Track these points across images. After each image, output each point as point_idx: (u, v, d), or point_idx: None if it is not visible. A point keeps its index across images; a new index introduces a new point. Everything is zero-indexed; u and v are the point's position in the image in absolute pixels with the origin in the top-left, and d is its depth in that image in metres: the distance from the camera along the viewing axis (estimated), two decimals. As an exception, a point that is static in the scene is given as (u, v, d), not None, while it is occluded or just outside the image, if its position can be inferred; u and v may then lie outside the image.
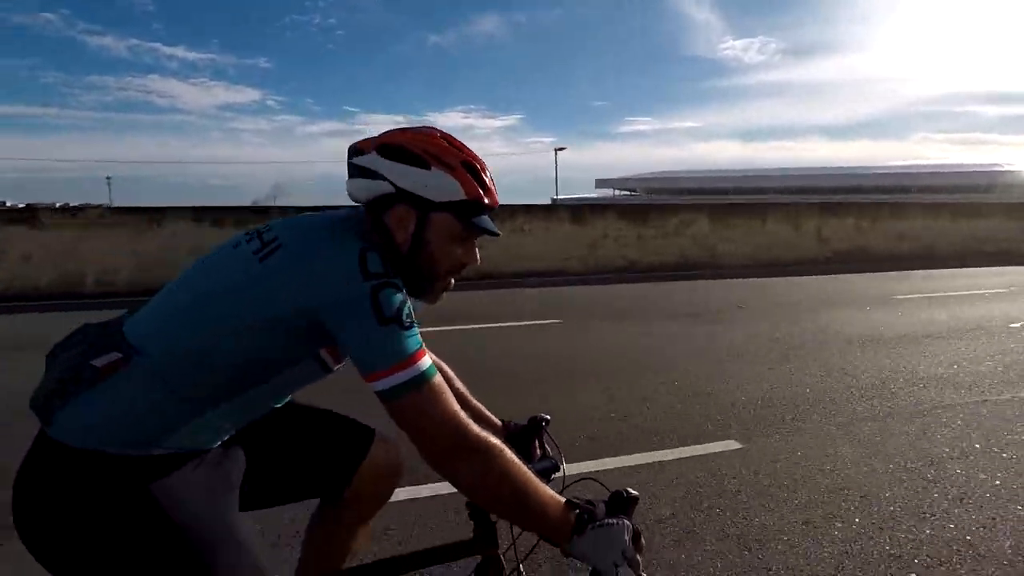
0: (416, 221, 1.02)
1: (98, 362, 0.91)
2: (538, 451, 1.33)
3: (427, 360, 0.91)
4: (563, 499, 0.98)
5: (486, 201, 1.05)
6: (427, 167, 1.00)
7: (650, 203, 19.85)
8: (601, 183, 78.18)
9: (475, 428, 0.92)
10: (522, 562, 1.18)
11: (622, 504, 1.01)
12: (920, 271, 12.28)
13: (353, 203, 1.09)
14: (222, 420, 0.99)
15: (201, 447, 0.98)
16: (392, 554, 1.18)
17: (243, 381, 0.96)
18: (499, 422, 1.32)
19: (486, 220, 1.06)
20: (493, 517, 1.18)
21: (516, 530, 1.13)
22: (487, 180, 1.06)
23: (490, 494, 0.94)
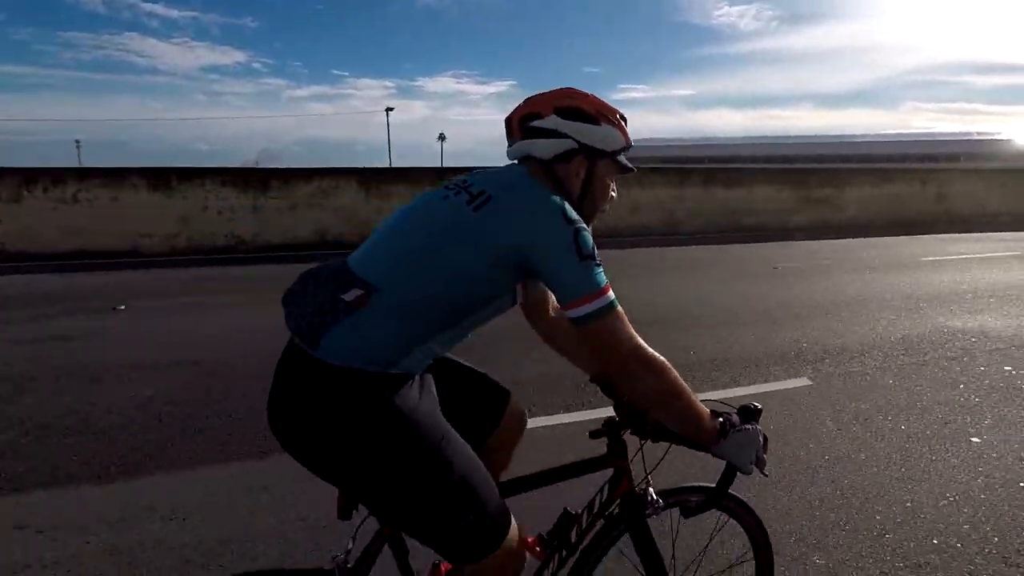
0: (587, 168, 1.23)
1: (347, 296, 1.09)
2: None
3: (612, 292, 1.10)
4: (710, 409, 1.21)
5: (630, 144, 1.29)
6: (598, 123, 1.22)
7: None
8: None
9: (650, 349, 1.12)
10: (650, 473, 1.39)
11: (751, 415, 1.25)
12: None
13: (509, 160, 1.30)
14: (439, 347, 1.18)
15: (417, 370, 1.17)
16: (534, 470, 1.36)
17: (461, 313, 1.15)
18: None
19: (625, 160, 1.30)
20: (624, 435, 1.39)
21: (644, 445, 1.36)
22: (626, 126, 1.29)
23: (662, 400, 1.14)
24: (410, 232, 1.17)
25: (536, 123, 1.22)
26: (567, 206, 1.13)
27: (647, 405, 1.20)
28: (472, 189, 1.16)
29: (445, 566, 1.37)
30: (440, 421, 1.17)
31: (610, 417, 1.40)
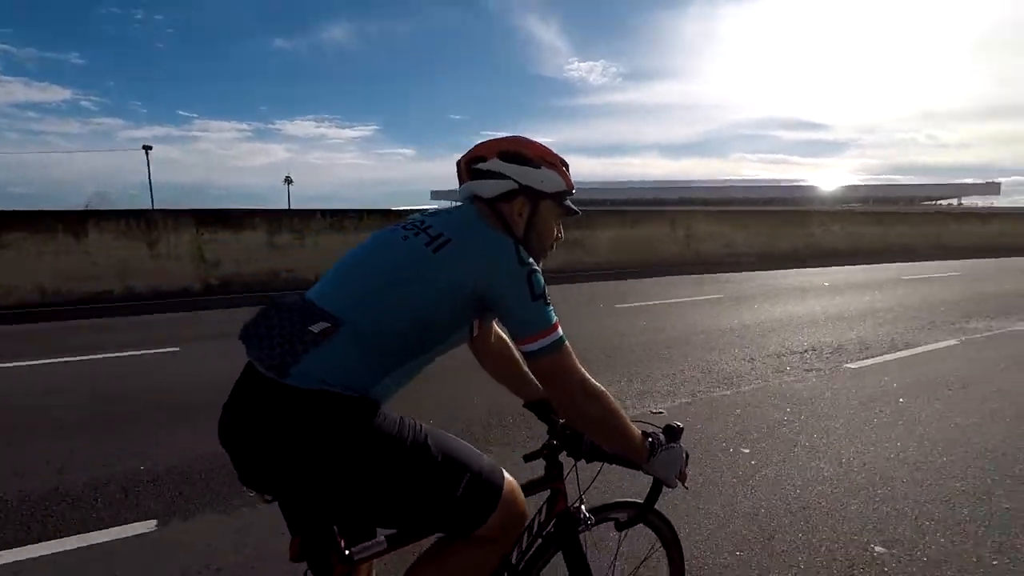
0: (531, 208, 1.33)
1: (314, 328, 1.15)
2: None
3: (560, 329, 1.19)
4: (641, 430, 1.34)
5: (572, 189, 1.39)
6: (538, 167, 1.32)
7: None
8: (436, 195, 72.96)
9: (593, 379, 1.22)
10: (584, 492, 1.53)
11: (675, 434, 1.39)
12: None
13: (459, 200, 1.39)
14: (405, 377, 1.24)
15: (386, 399, 1.22)
16: None
17: (424, 346, 1.22)
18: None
19: (570, 203, 1.39)
20: (560, 458, 1.50)
21: (578, 464, 1.48)
22: (568, 171, 1.39)
23: (603, 425, 1.25)
24: (372, 270, 1.24)
25: (480, 165, 1.33)
26: (520, 249, 1.21)
27: (589, 430, 1.31)
28: (430, 231, 1.24)
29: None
30: (401, 417, 1.22)
31: (548, 441, 1.50)
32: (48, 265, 9.42)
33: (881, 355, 5.77)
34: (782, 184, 74.32)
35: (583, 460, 1.46)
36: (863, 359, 5.61)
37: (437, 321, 1.21)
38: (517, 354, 1.57)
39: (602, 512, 1.55)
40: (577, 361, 1.21)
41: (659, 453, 1.34)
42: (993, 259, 18.27)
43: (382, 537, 1.28)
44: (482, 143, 1.36)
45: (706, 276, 13.38)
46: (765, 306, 8.77)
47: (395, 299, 1.18)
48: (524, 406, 1.61)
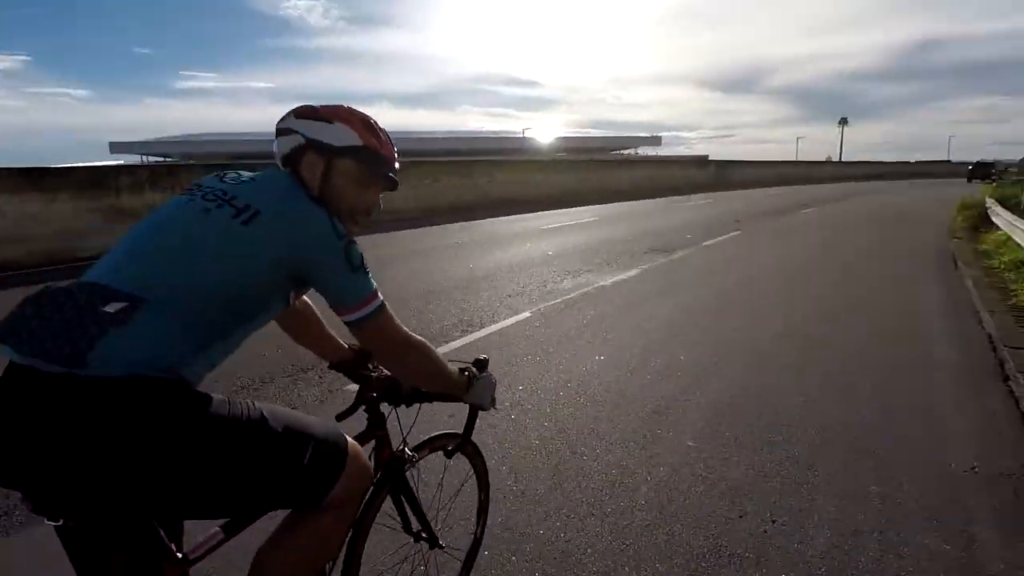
0: (324, 166, 1.27)
1: (109, 308, 1.02)
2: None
3: (380, 294, 1.22)
4: (457, 367, 1.46)
5: (383, 153, 1.31)
6: (330, 122, 1.27)
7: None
8: (116, 147, 59.90)
9: (411, 333, 1.29)
10: (407, 434, 1.63)
11: (483, 365, 1.55)
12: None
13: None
14: (217, 355, 1.17)
15: (196, 380, 1.13)
16: None
17: (237, 320, 1.16)
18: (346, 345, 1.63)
19: (385, 169, 1.32)
20: (382, 408, 1.58)
21: (399, 411, 1.60)
22: (382, 136, 1.33)
23: (426, 372, 1.36)
24: (175, 245, 1.15)
25: (279, 123, 1.31)
26: (335, 220, 1.19)
27: (417, 379, 1.42)
28: (235, 203, 1.18)
29: None
30: (227, 397, 1.16)
31: (362, 395, 1.56)
32: None
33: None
34: (504, 136, 72.89)
35: (403, 405, 1.58)
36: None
37: (255, 296, 1.17)
38: (318, 315, 1.57)
39: (425, 447, 1.69)
40: (396, 320, 1.25)
41: (475, 384, 1.50)
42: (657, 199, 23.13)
43: (216, 528, 1.22)
44: (291, 109, 1.34)
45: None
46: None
47: (206, 274, 1.12)
48: (330, 367, 1.63)
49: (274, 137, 1.31)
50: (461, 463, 1.89)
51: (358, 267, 1.19)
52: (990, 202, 14.03)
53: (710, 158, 43.37)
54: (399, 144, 1.34)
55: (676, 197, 24.79)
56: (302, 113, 1.29)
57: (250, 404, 1.17)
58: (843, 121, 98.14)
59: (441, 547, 1.79)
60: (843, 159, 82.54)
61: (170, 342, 1.06)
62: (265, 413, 1.17)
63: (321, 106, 1.30)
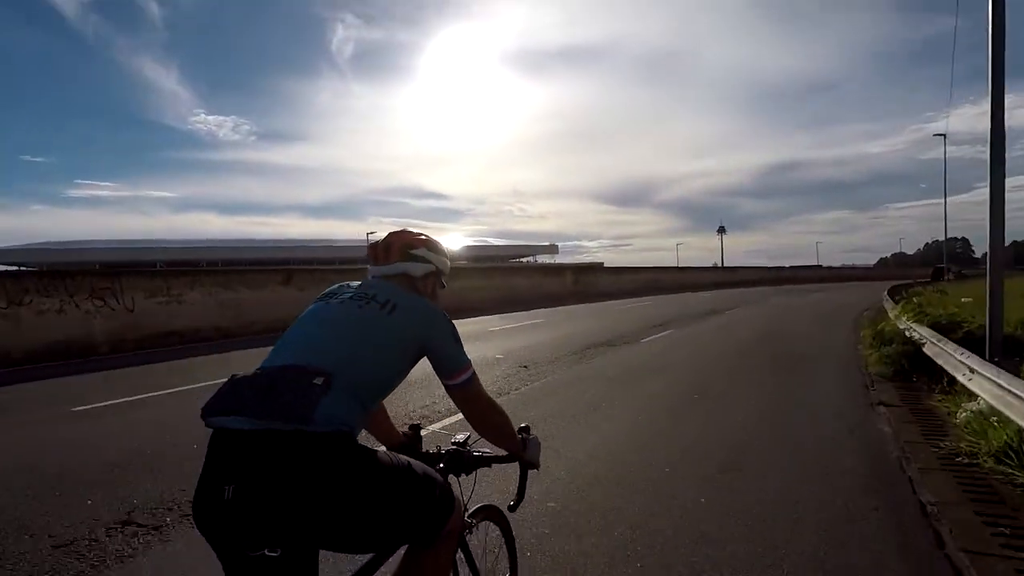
0: (434, 282, 1.85)
1: (317, 381, 1.40)
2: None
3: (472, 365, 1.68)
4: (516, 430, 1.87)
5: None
6: (442, 254, 1.85)
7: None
8: None
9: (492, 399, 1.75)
10: (467, 501, 1.92)
11: (528, 430, 1.94)
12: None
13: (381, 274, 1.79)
14: (368, 414, 1.53)
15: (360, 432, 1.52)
16: None
17: (388, 387, 1.59)
18: (407, 430, 2.05)
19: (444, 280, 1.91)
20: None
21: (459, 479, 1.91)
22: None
23: (502, 430, 1.76)
24: (344, 332, 1.56)
25: (415, 251, 1.79)
26: (440, 311, 1.68)
27: (493, 434, 1.76)
28: (378, 299, 1.62)
29: None
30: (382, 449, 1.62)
31: (435, 466, 1.80)
32: None
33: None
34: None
35: (463, 474, 1.90)
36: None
37: (399, 367, 1.58)
38: (386, 409, 1.95)
39: (479, 513, 2.02)
40: (482, 385, 1.69)
41: (529, 444, 1.90)
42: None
43: None
44: (405, 233, 1.84)
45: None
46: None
47: (372, 353, 1.53)
48: (389, 450, 1.84)
49: (391, 257, 1.78)
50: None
51: (459, 342, 1.65)
52: (921, 332, 8.17)
53: (604, 264, 46.20)
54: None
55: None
56: (433, 247, 1.82)
57: (394, 454, 1.57)
58: (721, 229, 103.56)
59: None
60: (725, 264, 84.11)
61: (351, 405, 1.44)
62: (409, 461, 1.58)
63: (425, 237, 1.84)
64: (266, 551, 1.30)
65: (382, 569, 1.63)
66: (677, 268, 52.36)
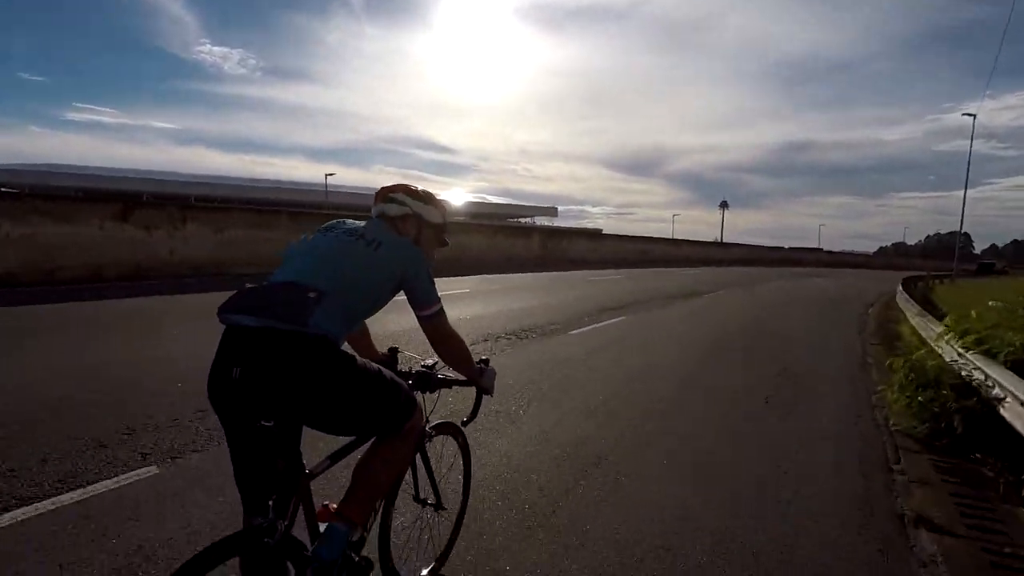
0: (417, 229, 2.09)
1: (312, 295, 1.70)
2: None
3: (440, 301, 1.97)
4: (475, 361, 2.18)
5: (447, 226, 2.20)
6: (428, 203, 2.10)
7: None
8: None
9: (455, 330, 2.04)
10: (429, 415, 2.25)
11: (486, 362, 2.25)
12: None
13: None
14: (350, 330, 1.84)
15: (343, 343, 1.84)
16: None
17: (368, 311, 1.89)
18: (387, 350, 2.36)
19: (445, 236, 2.19)
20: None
21: (425, 395, 2.23)
22: (448, 216, 2.18)
23: (462, 357, 2.08)
24: (340, 260, 1.85)
25: (393, 195, 2.08)
26: (420, 252, 1.99)
27: (455, 360, 2.08)
28: (367, 237, 1.93)
29: (331, 505, 1.90)
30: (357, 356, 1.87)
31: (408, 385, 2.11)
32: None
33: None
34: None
35: (428, 392, 2.22)
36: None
37: (380, 296, 1.89)
38: (368, 330, 2.28)
39: (440, 427, 2.40)
40: (447, 319, 1.98)
41: (487, 372, 2.22)
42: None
43: (324, 458, 1.93)
44: (395, 184, 2.12)
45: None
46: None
47: (359, 281, 1.83)
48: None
49: (378, 200, 2.08)
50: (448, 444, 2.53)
51: (432, 281, 1.94)
52: (995, 376, 4.31)
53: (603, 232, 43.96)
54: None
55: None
56: (410, 192, 2.09)
57: (369, 362, 1.87)
58: (723, 204, 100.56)
59: (444, 508, 2.46)
60: (724, 240, 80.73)
61: (337, 319, 1.74)
62: (380, 368, 1.89)
63: (421, 189, 2.12)
64: (262, 421, 1.65)
65: (355, 454, 2.01)
66: (669, 240, 48.64)
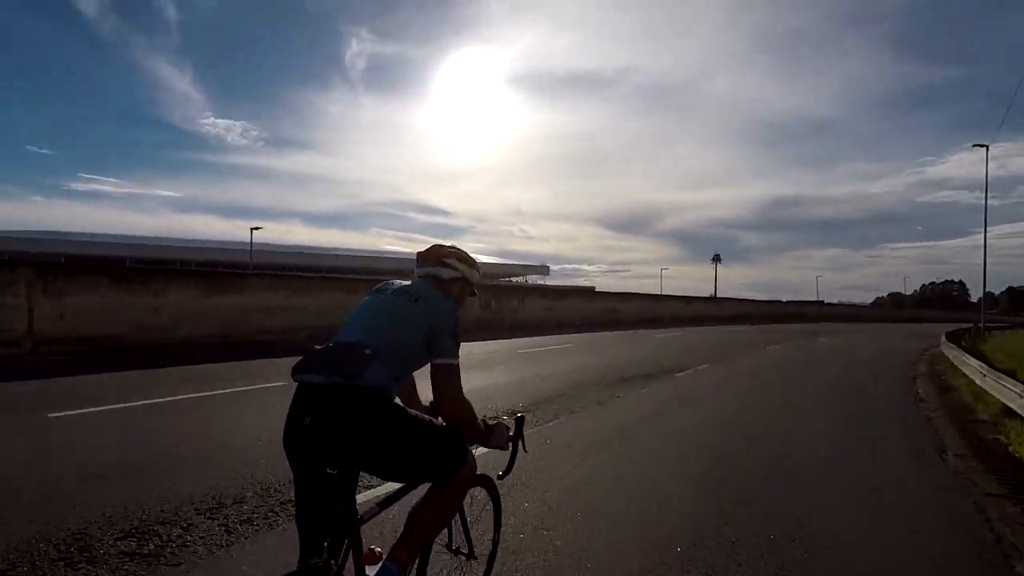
0: (461, 288, 2.35)
1: (367, 351, 1.96)
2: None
3: (458, 362, 2.12)
4: (480, 421, 2.29)
5: (481, 284, 2.49)
6: (472, 267, 2.37)
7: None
8: None
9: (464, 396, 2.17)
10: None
11: (520, 421, 2.49)
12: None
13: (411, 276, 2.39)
14: (399, 384, 2.14)
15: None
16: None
17: (412, 364, 2.16)
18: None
19: (477, 292, 2.47)
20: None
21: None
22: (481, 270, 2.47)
23: (469, 417, 2.18)
24: (388, 318, 2.12)
25: (446, 260, 2.33)
26: (455, 308, 2.22)
27: (463, 422, 2.18)
28: (410, 294, 2.18)
29: (376, 550, 2.12)
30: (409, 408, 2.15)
31: None
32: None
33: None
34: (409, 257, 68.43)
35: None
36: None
37: (422, 349, 2.09)
38: (415, 384, 2.45)
39: (478, 481, 2.50)
40: (460, 382, 2.11)
41: (495, 432, 2.34)
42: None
43: (373, 504, 2.15)
44: (446, 247, 2.39)
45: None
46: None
47: (401, 335, 2.07)
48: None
49: (430, 261, 2.33)
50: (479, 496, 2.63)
51: (456, 336, 2.13)
52: None
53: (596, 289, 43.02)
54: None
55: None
56: (462, 258, 2.36)
57: (422, 414, 2.14)
58: (716, 258, 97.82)
59: (475, 558, 2.58)
60: (717, 295, 76.27)
61: (389, 372, 2.00)
62: (432, 420, 2.13)
63: (458, 251, 2.38)
64: (328, 469, 1.86)
65: (407, 498, 2.24)
66: (650, 296, 43.49)
